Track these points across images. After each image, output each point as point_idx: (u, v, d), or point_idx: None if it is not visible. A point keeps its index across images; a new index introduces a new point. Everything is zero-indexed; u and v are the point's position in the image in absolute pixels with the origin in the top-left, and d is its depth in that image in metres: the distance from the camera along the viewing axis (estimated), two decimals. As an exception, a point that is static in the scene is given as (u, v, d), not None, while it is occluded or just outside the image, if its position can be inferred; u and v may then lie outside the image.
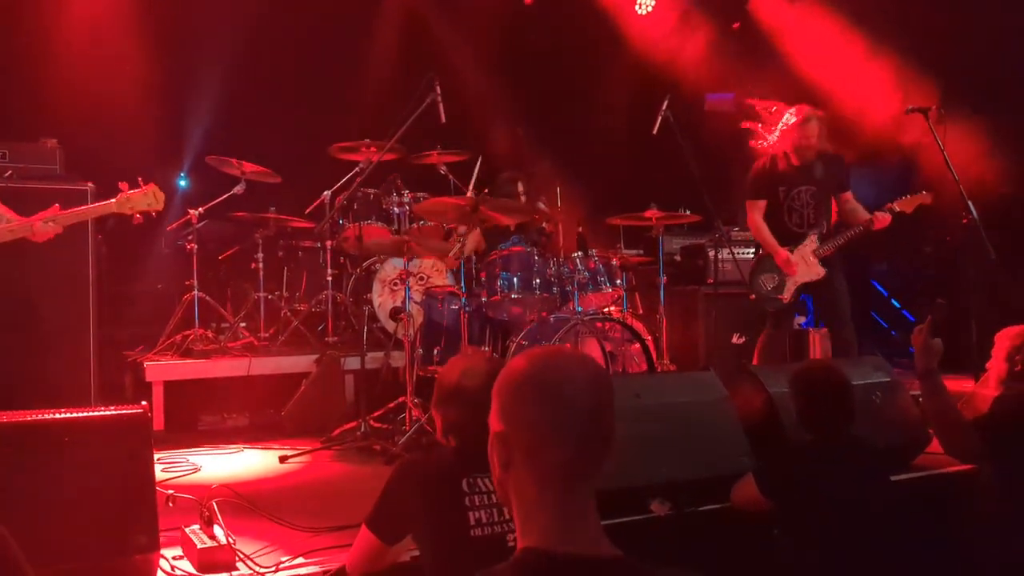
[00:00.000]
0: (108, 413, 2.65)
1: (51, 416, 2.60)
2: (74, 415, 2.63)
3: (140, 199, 3.39)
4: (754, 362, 4.98)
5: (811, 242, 4.93)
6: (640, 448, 3.03)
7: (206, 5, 6.33)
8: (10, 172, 4.54)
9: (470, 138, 6.17)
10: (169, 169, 6.47)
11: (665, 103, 5.09)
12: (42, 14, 5.85)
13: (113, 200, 3.37)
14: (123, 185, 3.38)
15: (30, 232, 3.23)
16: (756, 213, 5.01)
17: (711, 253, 5.92)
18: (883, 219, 4.88)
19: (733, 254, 5.43)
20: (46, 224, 3.24)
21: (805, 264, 4.93)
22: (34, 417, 2.57)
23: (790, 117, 4.94)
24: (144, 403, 2.71)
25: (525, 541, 1.30)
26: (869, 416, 3.43)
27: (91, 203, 4.59)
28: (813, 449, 2.85)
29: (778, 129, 4.97)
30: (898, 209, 4.89)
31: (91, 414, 2.65)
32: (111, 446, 2.58)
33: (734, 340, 5.82)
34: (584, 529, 1.29)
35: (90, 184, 4.57)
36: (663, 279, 5.22)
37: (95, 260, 4.60)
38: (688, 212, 5.51)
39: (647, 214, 5.21)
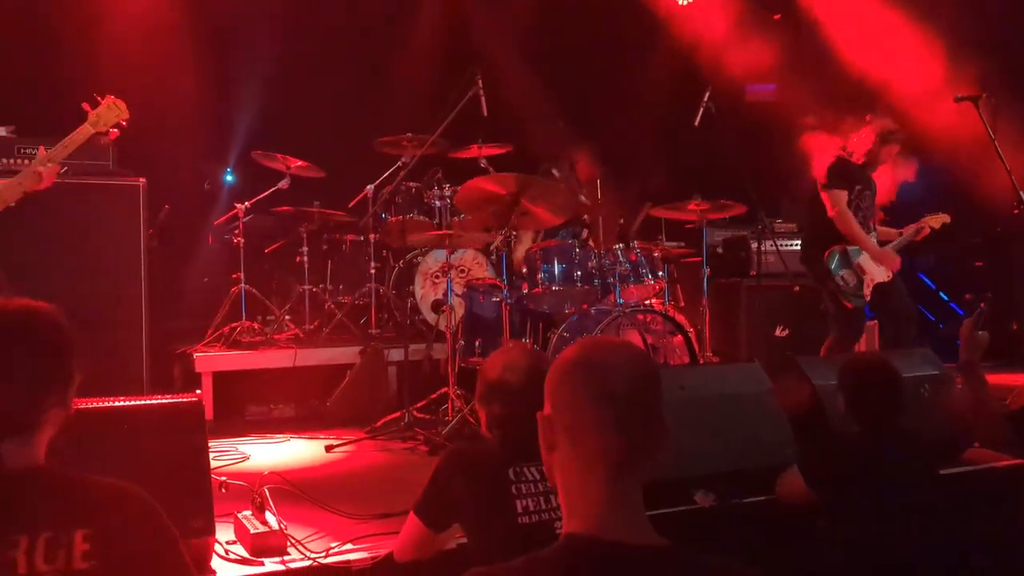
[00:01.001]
0: (164, 402, 2.73)
1: (110, 404, 2.69)
2: (132, 403, 2.72)
3: (107, 114, 3.46)
4: None
5: (876, 243, 4.92)
6: (684, 439, 3.04)
7: (250, 4, 6.43)
8: (65, 168, 4.65)
9: (510, 131, 6.20)
10: (216, 164, 6.60)
11: (707, 95, 5.06)
12: (94, 12, 5.99)
13: (87, 123, 3.43)
14: (85, 105, 3.45)
15: (36, 181, 3.28)
16: (842, 203, 4.83)
17: (754, 245, 5.87)
18: (925, 231, 4.94)
19: (776, 246, 5.39)
20: (46, 167, 3.29)
21: (878, 265, 4.87)
22: (94, 405, 2.66)
23: (876, 131, 4.89)
24: (198, 392, 2.78)
25: (570, 526, 1.31)
26: (918, 409, 3.39)
27: (142, 198, 4.74)
28: (861, 441, 2.83)
29: (861, 136, 4.92)
30: (931, 227, 4.93)
31: (148, 403, 2.73)
32: (167, 433, 2.66)
33: (777, 333, 5.77)
34: (629, 517, 1.30)
35: (142, 179, 4.69)
36: (706, 271, 5.18)
37: (146, 255, 4.72)
38: (732, 204, 5.46)
39: (691, 206, 5.17)
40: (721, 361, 5.13)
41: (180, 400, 2.74)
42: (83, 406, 2.66)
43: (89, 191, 4.58)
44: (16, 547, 1.37)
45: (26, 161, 4.59)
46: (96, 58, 5.82)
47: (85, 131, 3.36)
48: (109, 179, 4.68)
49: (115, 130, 3.40)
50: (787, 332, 5.69)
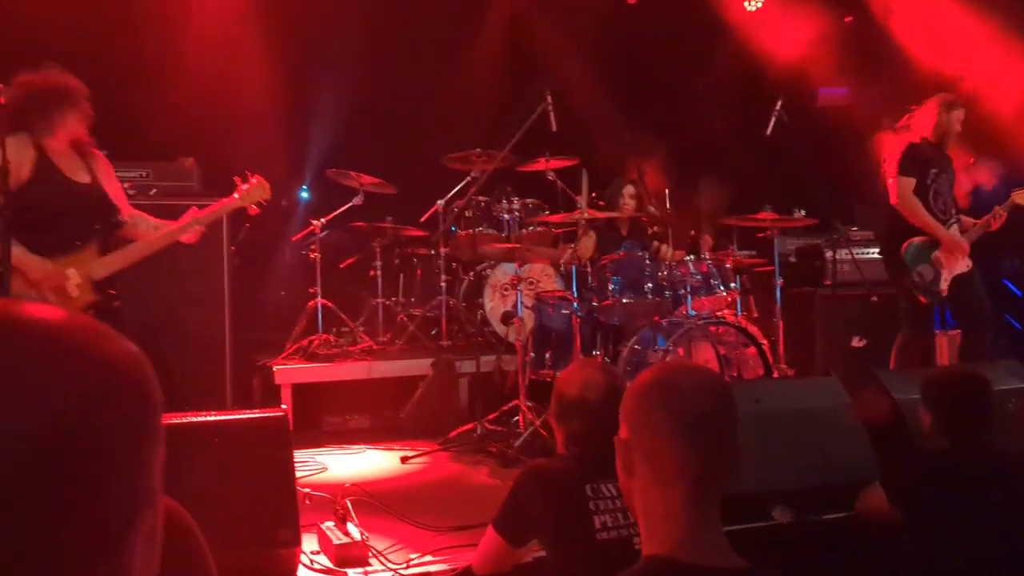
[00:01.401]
0: (251, 416, 2.84)
1: (200, 419, 2.82)
2: (220, 418, 2.84)
3: (254, 192, 3.69)
4: (891, 366, 4.74)
5: (956, 232, 4.72)
6: (760, 454, 3.01)
7: (323, 29, 6.63)
8: (155, 190, 4.90)
9: (578, 143, 6.22)
10: (293, 182, 6.81)
11: (779, 103, 4.99)
12: (175, 39, 6.26)
13: (236, 196, 3.66)
14: (237, 180, 3.70)
15: (182, 234, 3.52)
16: (909, 191, 4.66)
17: (828, 254, 5.76)
18: (1000, 217, 4.69)
19: (852, 254, 5.28)
20: (193, 225, 3.53)
21: (954, 254, 4.66)
22: (185, 420, 2.78)
23: (939, 102, 4.75)
24: (284, 407, 2.89)
25: (649, 549, 1.33)
26: (1004, 423, 3.29)
27: (224, 219, 4.93)
28: (947, 457, 2.76)
29: (923, 111, 4.77)
30: (1017, 203, 4.66)
31: (236, 417, 2.85)
32: (255, 447, 2.77)
33: (854, 343, 5.64)
34: (709, 539, 1.31)
35: (237, 179, 4.88)
36: (779, 281, 5.10)
37: (229, 270, 4.90)
38: (803, 213, 5.38)
39: (761, 215, 5.11)
40: (797, 374, 5.04)
41: (267, 415, 2.85)
42: (174, 421, 2.80)
43: (177, 212, 4.78)
44: None
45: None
46: (179, 84, 6.07)
47: (233, 203, 3.67)
48: (194, 199, 4.88)
49: (256, 207, 3.67)
50: (864, 343, 5.57)
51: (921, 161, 4.74)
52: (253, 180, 3.73)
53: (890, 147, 4.85)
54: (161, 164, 5.11)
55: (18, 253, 3.08)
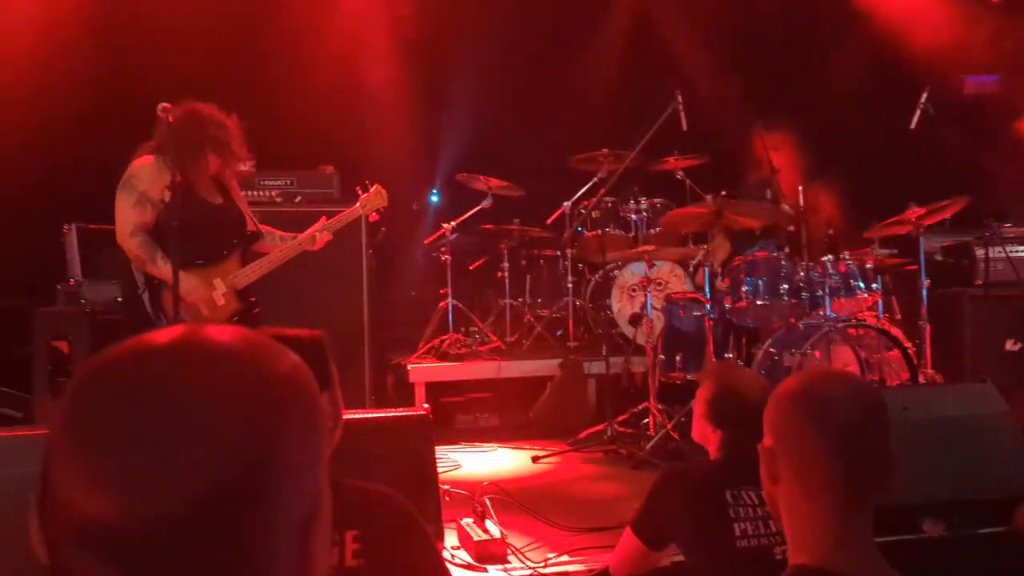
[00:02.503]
0: (398, 414, 2.98)
1: (348, 416, 2.96)
2: (367, 416, 2.99)
3: (374, 199, 3.90)
4: None
5: None
6: (910, 464, 2.88)
7: (451, 37, 6.81)
8: (299, 198, 5.17)
9: (707, 141, 6.12)
10: (424, 187, 7.03)
11: (924, 95, 4.75)
12: (310, 54, 6.57)
13: (358, 204, 3.86)
14: (358, 189, 3.90)
15: (311, 243, 3.73)
16: None
17: (980, 252, 5.42)
18: None
19: (1006, 252, 4.95)
20: (322, 233, 3.73)
21: None
22: (336, 416, 2.94)
23: None
24: (427, 406, 3.01)
25: (797, 559, 1.31)
26: None
27: (363, 224, 5.16)
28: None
29: None
30: None
31: (384, 415, 2.99)
32: (399, 443, 2.90)
33: (1008, 347, 5.29)
34: (861, 550, 1.28)
35: (357, 188, 5.09)
36: (925, 281, 4.85)
37: (368, 272, 5.12)
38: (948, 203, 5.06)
39: (907, 214, 4.83)
40: (946, 380, 4.78)
41: (410, 413, 2.98)
42: (326, 417, 2.97)
43: (318, 217, 5.04)
44: None
45: (266, 194, 5.14)
46: (317, 96, 6.37)
47: (356, 211, 3.94)
48: (335, 206, 5.11)
49: (376, 214, 3.92)
50: (1020, 346, 5.21)
51: None
52: (372, 189, 3.95)
53: None
54: (304, 173, 5.39)
55: (168, 271, 3.32)
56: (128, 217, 3.36)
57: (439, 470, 4.30)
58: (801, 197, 5.72)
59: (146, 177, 3.38)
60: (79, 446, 0.60)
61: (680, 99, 4.63)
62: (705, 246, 4.44)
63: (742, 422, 2.28)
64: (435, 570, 1.60)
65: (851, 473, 1.29)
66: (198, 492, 0.59)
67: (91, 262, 4.59)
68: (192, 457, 0.59)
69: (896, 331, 4.53)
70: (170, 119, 3.29)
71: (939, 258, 6.02)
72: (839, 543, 1.28)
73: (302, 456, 0.65)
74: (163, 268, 3.34)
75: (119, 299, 4.18)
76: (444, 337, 5.83)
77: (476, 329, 6.11)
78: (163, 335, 0.65)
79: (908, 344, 4.44)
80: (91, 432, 0.61)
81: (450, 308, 5.92)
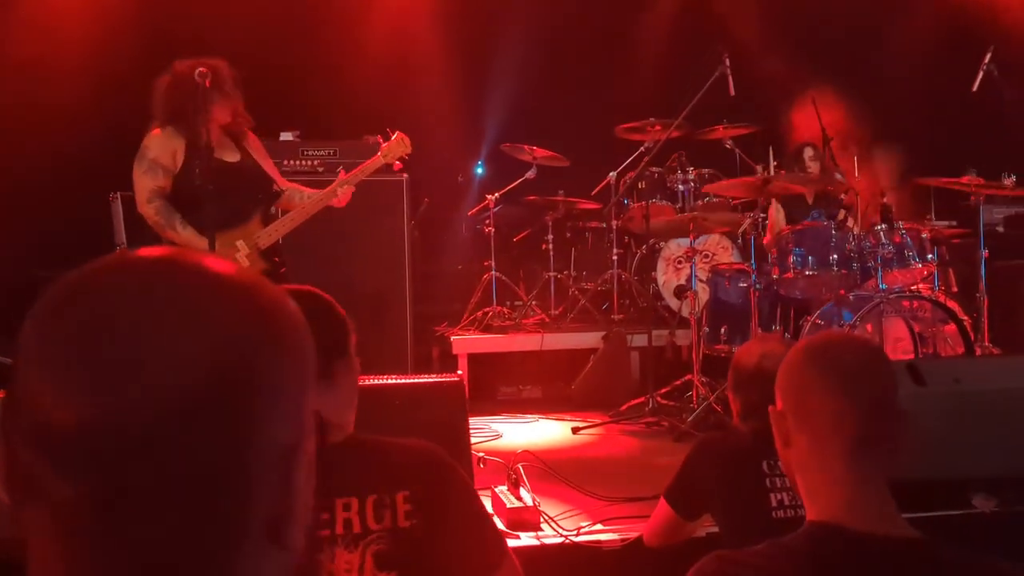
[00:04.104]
0: (431, 380, 2.97)
1: (384, 381, 2.97)
2: (402, 381, 2.98)
3: (396, 148, 3.81)
4: None
5: None
6: (960, 437, 2.77)
7: (495, 5, 6.72)
8: (341, 167, 5.17)
9: (758, 109, 5.94)
10: (469, 158, 6.99)
11: (988, 56, 4.52)
12: (355, 25, 6.56)
13: (379, 154, 3.79)
14: (379, 138, 3.83)
15: (333, 198, 3.69)
16: None
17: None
18: None
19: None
20: (343, 188, 3.68)
21: None
22: (371, 382, 2.95)
23: None
24: (460, 372, 2.99)
25: (812, 515, 1.29)
26: None
27: (405, 192, 5.15)
28: None
29: None
30: None
31: (417, 380, 2.99)
32: (433, 409, 2.89)
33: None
34: (873, 506, 1.26)
35: (405, 175, 5.08)
36: (984, 253, 4.65)
37: (410, 244, 5.12)
38: (1014, 179, 4.84)
39: (964, 180, 4.64)
40: (1004, 352, 4.59)
41: (444, 379, 2.96)
42: (361, 383, 2.98)
43: (361, 187, 5.04)
44: (349, 508, 1.51)
45: (309, 163, 5.16)
46: (362, 66, 6.37)
47: (377, 161, 3.83)
48: (378, 175, 5.12)
49: (399, 162, 3.84)
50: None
51: None
52: (394, 137, 3.82)
53: None
54: (347, 143, 5.39)
55: (188, 236, 3.35)
56: (142, 184, 3.40)
57: (479, 439, 4.35)
58: (856, 165, 5.52)
59: (155, 146, 3.41)
60: (51, 344, 0.59)
61: (728, 62, 4.49)
62: (751, 214, 4.30)
63: (762, 390, 2.21)
64: (477, 515, 1.59)
65: (858, 420, 1.27)
66: (169, 398, 0.57)
67: (136, 229, 4.69)
68: (165, 361, 0.58)
69: (952, 304, 4.35)
70: (208, 83, 3.30)
71: (1000, 229, 5.78)
72: (852, 498, 1.26)
73: (280, 380, 0.63)
74: (182, 233, 3.36)
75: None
76: (487, 309, 5.82)
77: (520, 302, 6.09)
78: (150, 250, 0.65)
79: (965, 317, 4.26)
80: (63, 332, 0.59)
81: (494, 280, 5.89)
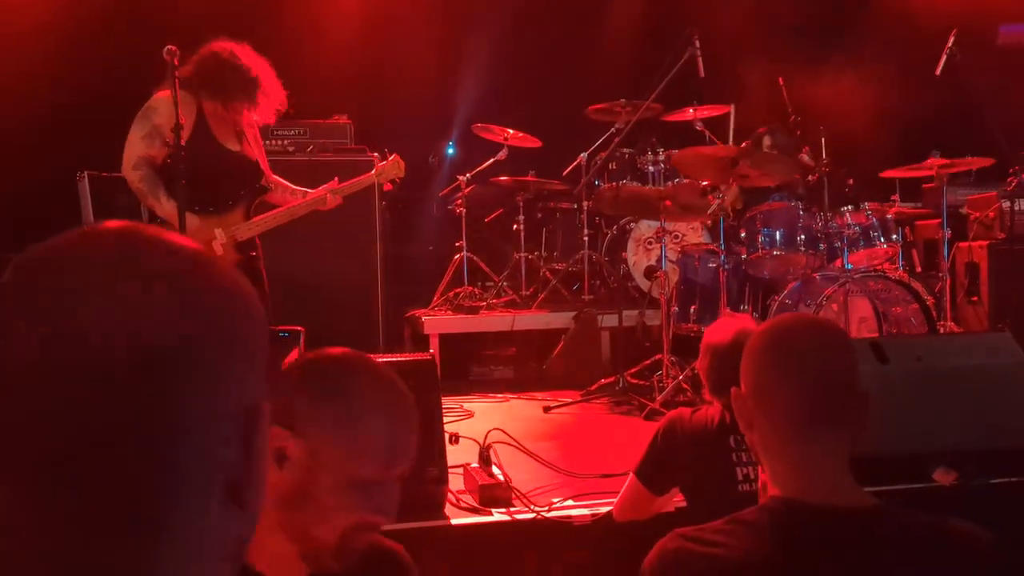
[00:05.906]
0: (402, 359, 2.97)
1: (356, 361, 2.97)
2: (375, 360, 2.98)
3: (390, 169, 3.83)
4: None
5: None
6: (923, 413, 2.85)
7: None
8: (311, 147, 5.15)
9: (727, 90, 5.98)
10: (440, 139, 6.96)
11: (951, 39, 4.60)
12: (326, 3, 6.49)
13: (373, 172, 3.81)
14: (375, 157, 3.85)
15: (322, 204, 3.68)
16: None
17: (1005, 205, 5.29)
18: None
19: (1032, 205, 4.83)
20: (333, 195, 3.68)
21: None
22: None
23: None
24: (431, 351, 3.00)
25: (773, 491, 1.33)
26: None
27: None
28: None
29: None
30: None
31: (388, 359, 2.98)
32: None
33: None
34: (831, 479, 1.29)
35: (375, 155, 5.06)
36: (947, 234, 4.75)
37: (381, 225, 5.10)
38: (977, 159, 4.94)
39: (928, 162, 4.73)
40: (964, 331, 4.71)
41: (416, 358, 2.97)
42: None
43: (331, 167, 4.99)
44: None
45: (280, 143, 5.11)
46: (332, 45, 6.29)
47: (370, 178, 3.84)
48: (347, 156, 5.09)
49: (390, 184, 3.86)
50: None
51: None
52: (390, 158, 3.87)
53: None
54: (317, 123, 5.35)
55: (170, 209, 3.30)
56: (135, 148, 3.34)
57: (451, 419, 4.37)
58: (823, 147, 5.59)
59: (163, 111, 3.32)
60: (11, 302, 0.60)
61: (698, 44, 4.51)
62: (719, 197, 4.35)
63: (731, 366, 2.26)
64: None
65: (809, 394, 1.30)
66: (119, 349, 0.58)
67: (104, 210, 4.62)
68: (115, 316, 0.59)
69: (916, 284, 4.45)
70: (176, 62, 3.25)
71: (963, 211, 5.89)
72: (809, 471, 1.29)
73: (239, 358, 0.64)
74: (165, 205, 3.31)
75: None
76: (458, 290, 5.82)
77: (492, 283, 6.10)
78: (112, 222, 0.66)
79: (928, 297, 4.36)
80: (24, 289, 0.60)
81: (465, 261, 5.90)
